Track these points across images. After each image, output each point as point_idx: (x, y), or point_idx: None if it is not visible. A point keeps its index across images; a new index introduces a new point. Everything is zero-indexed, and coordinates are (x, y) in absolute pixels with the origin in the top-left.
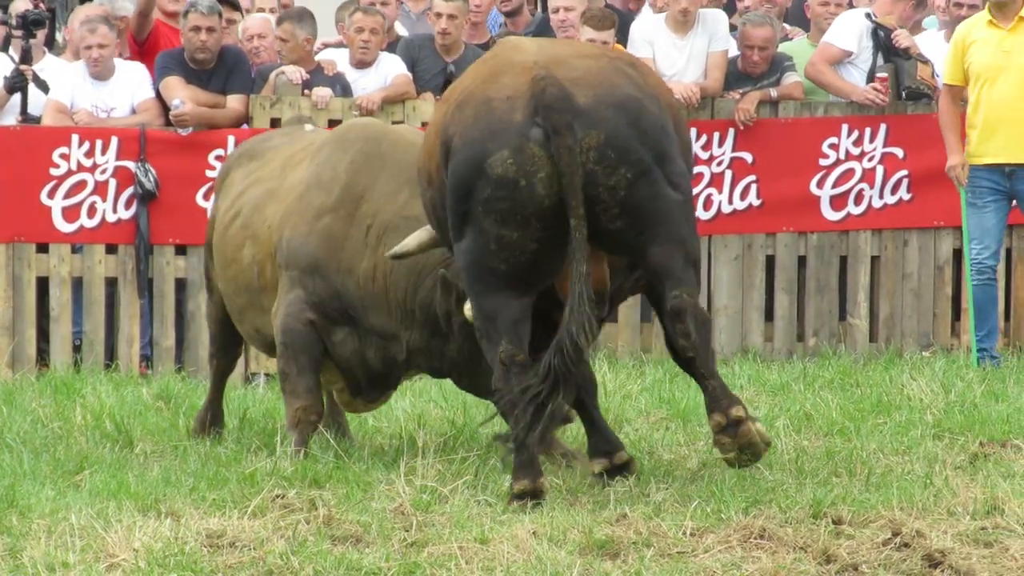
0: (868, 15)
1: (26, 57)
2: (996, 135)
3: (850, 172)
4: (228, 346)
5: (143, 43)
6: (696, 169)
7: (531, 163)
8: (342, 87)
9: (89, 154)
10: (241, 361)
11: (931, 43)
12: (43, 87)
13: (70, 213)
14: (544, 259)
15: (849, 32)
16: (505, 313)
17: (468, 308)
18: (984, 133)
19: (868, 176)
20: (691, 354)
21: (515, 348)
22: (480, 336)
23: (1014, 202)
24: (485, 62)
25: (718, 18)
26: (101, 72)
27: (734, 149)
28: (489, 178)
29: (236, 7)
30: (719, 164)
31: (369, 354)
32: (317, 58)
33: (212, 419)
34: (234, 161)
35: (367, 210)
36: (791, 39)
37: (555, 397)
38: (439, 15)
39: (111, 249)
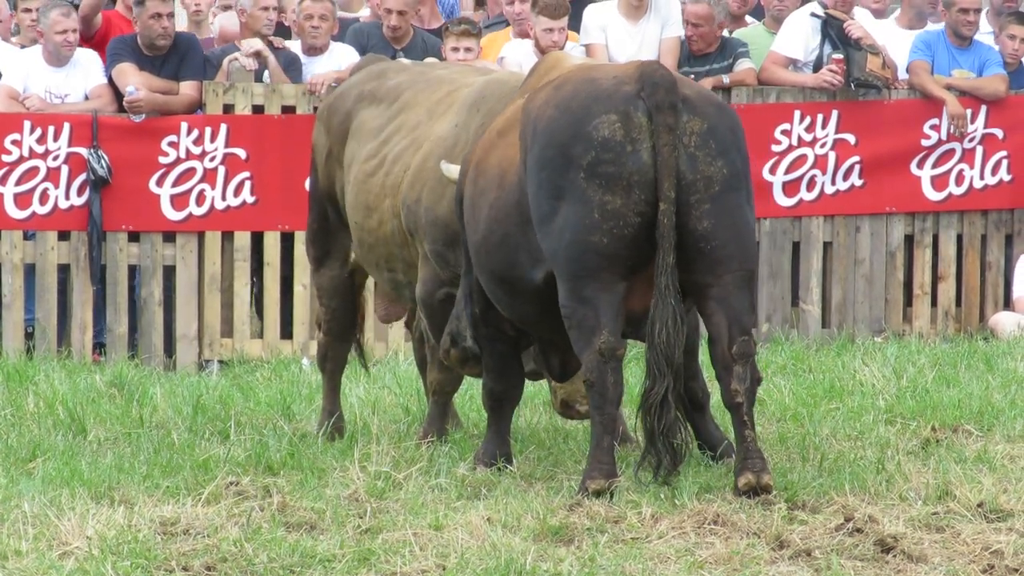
0: (813, 13)
1: None
2: None
3: (802, 158)
4: (341, 334)
5: (91, 39)
6: None
7: (637, 131)
8: (289, 61)
9: (41, 140)
10: (194, 347)
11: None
12: None
13: (22, 199)
14: (644, 240)
15: (795, 40)
16: (606, 299)
17: (446, 165)
18: None
19: (820, 162)
20: (740, 400)
21: (617, 340)
22: (571, 323)
23: None
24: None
25: (671, 4)
26: (63, 57)
27: None
28: (593, 141)
29: None
30: None
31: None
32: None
33: (340, 423)
34: (353, 104)
35: None
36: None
37: (666, 396)
38: (389, 11)
39: (63, 236)
